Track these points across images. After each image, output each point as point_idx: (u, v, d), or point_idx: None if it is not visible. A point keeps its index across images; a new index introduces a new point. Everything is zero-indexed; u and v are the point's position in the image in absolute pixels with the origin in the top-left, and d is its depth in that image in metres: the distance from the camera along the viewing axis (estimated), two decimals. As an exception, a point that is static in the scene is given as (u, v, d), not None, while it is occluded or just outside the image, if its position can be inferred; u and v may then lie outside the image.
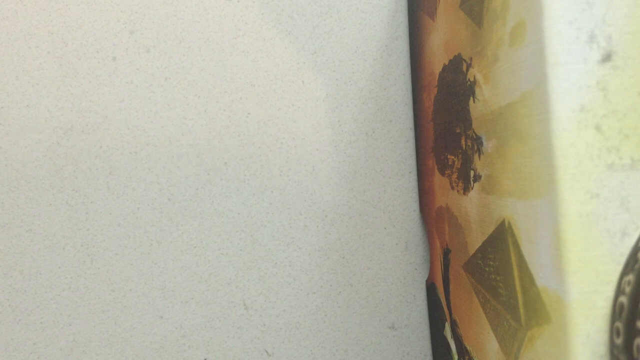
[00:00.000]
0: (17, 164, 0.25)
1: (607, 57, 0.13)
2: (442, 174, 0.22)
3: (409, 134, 0.26)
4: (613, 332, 0.13)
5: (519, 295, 0.15)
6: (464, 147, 0.19)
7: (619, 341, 0.13)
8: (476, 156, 0.18)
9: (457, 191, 0.20)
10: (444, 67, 0.21)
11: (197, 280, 0.25)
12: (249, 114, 0.25)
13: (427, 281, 0.26)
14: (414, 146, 0.26)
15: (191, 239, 0.25)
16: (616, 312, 0.13)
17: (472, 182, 0.19)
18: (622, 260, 0.13)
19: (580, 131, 0.13)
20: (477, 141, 0.18)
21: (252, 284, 0.25)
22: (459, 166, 0.20)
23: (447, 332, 0.23)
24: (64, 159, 0.25)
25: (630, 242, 0.13)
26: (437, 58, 0.22)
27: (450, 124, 0.21)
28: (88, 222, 0.25)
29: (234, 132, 0.25)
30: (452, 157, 0.21)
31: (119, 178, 0.25)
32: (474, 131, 0.18)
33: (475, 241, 0.19)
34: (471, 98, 0.18)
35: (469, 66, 0.18)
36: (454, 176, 0.21)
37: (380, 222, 0.26)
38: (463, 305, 0.21)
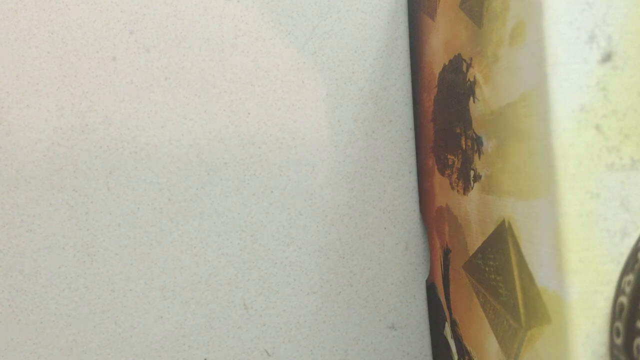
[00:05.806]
0: (17, 164, 0.25)
1: (607, 57, 0.13)
2: (442, 174, 0.22)
3: (409, 134, 0.26)
4: (613, 332, 0.13)
5: (519, 295, 0.15)
6: (464, 147, 0.19)
7: (619, 341, 0.13)
8: (476, 156, 0.18)
9: (457, 191, 0.20)
10: (444, 67, 0.21)
11: (197, 280, 0.25)
12: (249, 114, 0.25)
13: (427, 281, 0.26)
14: (414, 146, 0.26)
15: (191, 239, 0.25)
16: (616, 312, 0.13)
17: (472, 182, 0.19)
18: (622, 260, 0.13)
19: (580, 131, 0.13)
20: (477, 141, 0.18)
21: (252, 284, 0.25)
22: (459, 166, 0.20)
23: (447, 332, 0.23)
24: (64, 159, 0.25)
25: (630, 242, 0.13)
26: (437, 58, 0.22)
27: (450, 124, 0.21)
28: (88, 222, 0.25)
29: (234, 132, 0.25)
30: (452, 157, 0.21)
31: (119, 178, 0.25)
32: (474, 131, 0.18)
33: (475, 241, 0.19)
34: (471, 98, 0.18)
35: (469, 66, 0.18)
36: (454, 176, 0.21)
37: (380, 222, 0.26)
38: (463, 305, 0.21)
